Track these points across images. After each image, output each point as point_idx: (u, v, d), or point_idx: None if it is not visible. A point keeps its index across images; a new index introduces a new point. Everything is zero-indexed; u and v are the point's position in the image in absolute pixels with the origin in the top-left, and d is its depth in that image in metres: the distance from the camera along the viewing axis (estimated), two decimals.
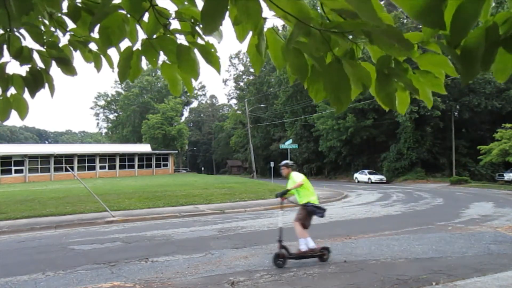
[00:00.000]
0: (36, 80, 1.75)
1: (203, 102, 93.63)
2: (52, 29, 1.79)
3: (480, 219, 11.41)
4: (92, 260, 7.05)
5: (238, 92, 72.89)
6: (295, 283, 5.49)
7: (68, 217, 12.43)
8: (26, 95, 1.81)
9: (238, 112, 69.92)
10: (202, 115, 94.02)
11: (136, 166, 46.61)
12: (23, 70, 1.77)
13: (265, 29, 1.45)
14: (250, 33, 1.46)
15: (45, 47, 1.76)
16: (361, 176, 38.24)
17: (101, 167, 43.65)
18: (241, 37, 1.46)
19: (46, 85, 1.82)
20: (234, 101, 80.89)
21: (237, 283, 5.55)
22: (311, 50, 1.28)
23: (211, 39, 1.60)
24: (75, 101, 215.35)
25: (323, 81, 1.33)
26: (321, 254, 6.49)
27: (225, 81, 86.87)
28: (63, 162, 39.59)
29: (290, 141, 32.15)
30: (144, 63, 1.74)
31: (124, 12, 1.44)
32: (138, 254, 7.42)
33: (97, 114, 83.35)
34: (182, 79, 1.73)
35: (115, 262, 6.86)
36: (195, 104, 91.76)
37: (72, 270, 6.43)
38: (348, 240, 8.43)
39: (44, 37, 1.75)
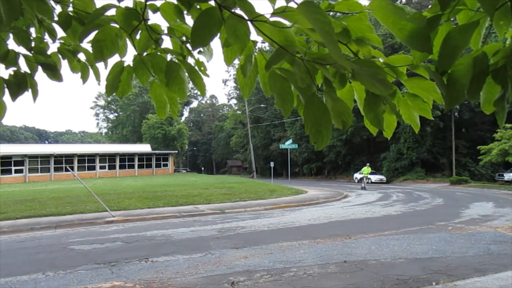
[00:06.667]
0: (19, 84, 1.74)
1: (203, 102, 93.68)
2: (40, 35, 1.78)
3: (480, 219, 11.41)
4: (92, 260, 7.06)
5: (238, 92, 72.87)
6: (295, 283, 5.49)
7: (68, 217, 12.44)
8: (7, 97, 1.78)
9: (238, 112, 69.92)
10: (202, 115, 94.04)
11: (136, 166, 46.59)
12: (5, 73, 1.76)
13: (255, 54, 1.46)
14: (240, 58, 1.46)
15: (32, 52, 1.76)
16: (361, 176, 38.21)
17: (101, 167, 43.63)
18: (228, 61, 1.47)
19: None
20: (234, 101, 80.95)
21: (237, 283, 5.56)
22: (296, 79, 1.27)
23: (201, 57, 1.61)
24: (75, 101, 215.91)
25: (304, 113, 1.29)
26: None
27: (225, 81, 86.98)
28: (63, 162, 39.58)
29: (290, 141, 32.13)
30: None
31: (117, 26, 1.44)
32: (138, 254, 7.42)
33: (97, 114, 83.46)
34: (168, 99, 1.72)
35: (115, 262, 6.86)
36: (195, 104, 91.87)
37: (72, 270, 6.43)
38: (348, 240, 8.43)
39: (33, 43, 1.75)
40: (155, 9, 1.47)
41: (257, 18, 1.20)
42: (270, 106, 56.84)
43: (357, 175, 38.93)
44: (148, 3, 1.41)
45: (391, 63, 1.34)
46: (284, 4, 1.14)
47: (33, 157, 38.98)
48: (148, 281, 5.73)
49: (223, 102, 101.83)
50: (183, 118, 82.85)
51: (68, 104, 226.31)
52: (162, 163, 49.27)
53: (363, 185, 28.34)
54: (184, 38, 1.55)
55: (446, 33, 1.12)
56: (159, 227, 10.85)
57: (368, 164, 30.80)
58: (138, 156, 46.89)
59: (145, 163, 47.68)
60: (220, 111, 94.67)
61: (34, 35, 1.77)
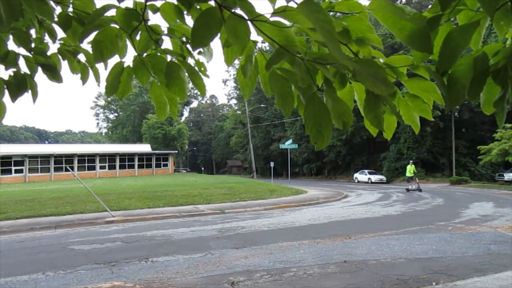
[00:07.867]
0: (19, 85, 1.74)
1: (203, 102, 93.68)
2: (41, 36, 1.78)
3: (480, 219, 11.41)
4: (92, 260, 7.06)
5: (238, 92, 72.86)
6: (295, 283, 5.49)
7: (68, 217, 12.43)
8: (6, 98, 1.78)
9: (238, 112, 69.91)
10: (202, 115, 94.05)
11: (136, 166, 46.59)
12: (5, 74, 1.75)
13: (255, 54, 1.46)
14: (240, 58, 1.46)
15: (32, 53, 1.75)
16: (361, 176, 38.24)
17: (101, 167, 43.63)
18: (229, 61, 1.47)
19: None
20: (234, 101, 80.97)
21: (237, 283, 5.56)
22: (296, 79, 1.27)
23: (201, 58, 1.61)
24: (75, 101, 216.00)
25: (304, 113, 1.29)
26: None
27: (225, 81, 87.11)
28: (63, 162, 39.56)
29: (290, 141, 32.12)
30: None
31: (117, 26, 1.44)
32: (138, 254, 7.42)
33: (97, 114, 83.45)
34: (168, 99, 1.72)
35: (115, 262, 6.86)
36: (195, 104, 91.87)
37: (72, 270, 6.43)
38: (348, 240, 8.43)
39: (33, 44, 1.74)
40: (155, 10, 1.47)
41: (257, 18, 1.20)
42: (270, 106, 56.85)
43: (358, 175, 38.99)
44: (148, 3, 1.41)
45: (391, 63, 1.34)
46: (284, 3, 1.13)
47: (33, 157, 38.97)
48: (148, 281, 5.73)
49: (223, 102, 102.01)
50: (183, 118, 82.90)
51: (68, 104, 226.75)
52: (162, 163, 49.27)
53: (413, 186, 22.59)
54: (184, 38, 1.55)
55: (446, 33, 1.12)
56: (159, 227, 10.85)
57: (411, 161, 25.27)
58: (138, 156, 46.89)
59: (145, 163, 47.69)
60: (220, 111, 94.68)
61: (34, 36, 1.76)
